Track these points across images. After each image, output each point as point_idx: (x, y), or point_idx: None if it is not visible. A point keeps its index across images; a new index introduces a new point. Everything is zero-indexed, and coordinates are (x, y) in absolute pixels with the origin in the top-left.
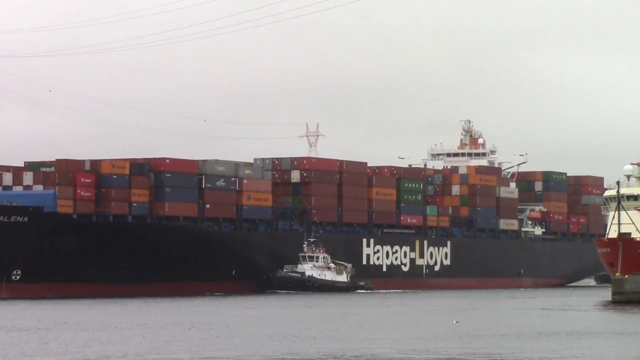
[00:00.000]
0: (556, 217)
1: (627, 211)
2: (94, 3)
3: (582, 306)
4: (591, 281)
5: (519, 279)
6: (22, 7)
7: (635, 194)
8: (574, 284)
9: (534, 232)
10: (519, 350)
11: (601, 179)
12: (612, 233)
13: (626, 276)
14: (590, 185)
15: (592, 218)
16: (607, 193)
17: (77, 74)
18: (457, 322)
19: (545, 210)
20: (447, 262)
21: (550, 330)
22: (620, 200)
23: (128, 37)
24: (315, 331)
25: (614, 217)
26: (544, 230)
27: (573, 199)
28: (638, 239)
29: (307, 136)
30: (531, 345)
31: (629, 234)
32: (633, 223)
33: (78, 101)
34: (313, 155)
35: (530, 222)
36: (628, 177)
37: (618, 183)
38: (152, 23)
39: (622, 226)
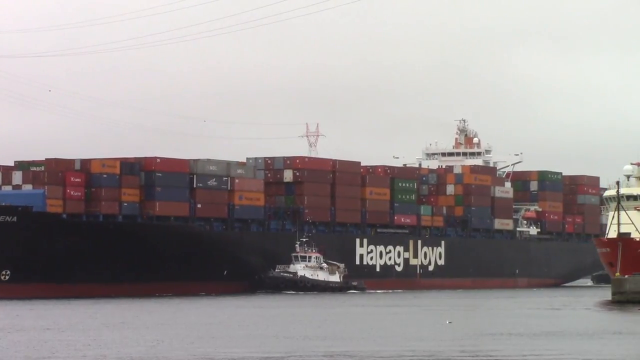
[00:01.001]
0: (551, 217)
1: (627, 211)
2: (93, 3)
3: (582, 306)
4: (587, 281)
5: (513, 279)
6: (20, 7)
7: (635, 194)
8: (569, 284)
9: (529, 232)
10: (517, 350)
11: (597, 179)
12: (612, 233)
13: (626, 276)
14: (586, 185)
15: (588, 218)
16: (607, 193)
17: (67, 73)
18: (449, 322)
19: (540, 210)
20: (441, 262)
21: (550, 330)
22: (620, 200)
23: (127, 38)
24: (307, 331)
25: (613, 217)
26: (539, 230)
27: (568, 199)
28: (638, 239)
29: (307, 136)
30: (530, 345)
31: (629, 234)
32: (633, 223)
33: (69, 100)
34: (314, 155)
35: (525, 222)
36: (628, 177)
37: (618, 183)
38: (151, 23)
39: (621, 226)
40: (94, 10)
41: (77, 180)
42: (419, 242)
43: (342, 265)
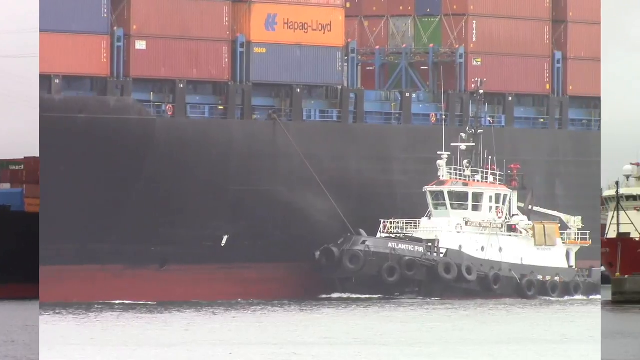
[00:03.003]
0: None
1: (627, 211)
2: None
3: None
4: None
5: None
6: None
7: (635, 194)
8: None
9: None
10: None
11: None
12: (612, 233)
13: (626, 276)
14: None
15: None
16: (606, 193)
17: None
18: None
19: None
20: None
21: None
22: (619, 200)
23: None
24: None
25: (613, 217)
26: None
27: None
28: (638, 239)
29: None
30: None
31: (628, 234)
32: (632, 223)
33: None
34: None
35: None
36: (627, 177)
37: (617, 183)
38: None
39: (621, 226)
40: None
41: None
42: None
43: None
